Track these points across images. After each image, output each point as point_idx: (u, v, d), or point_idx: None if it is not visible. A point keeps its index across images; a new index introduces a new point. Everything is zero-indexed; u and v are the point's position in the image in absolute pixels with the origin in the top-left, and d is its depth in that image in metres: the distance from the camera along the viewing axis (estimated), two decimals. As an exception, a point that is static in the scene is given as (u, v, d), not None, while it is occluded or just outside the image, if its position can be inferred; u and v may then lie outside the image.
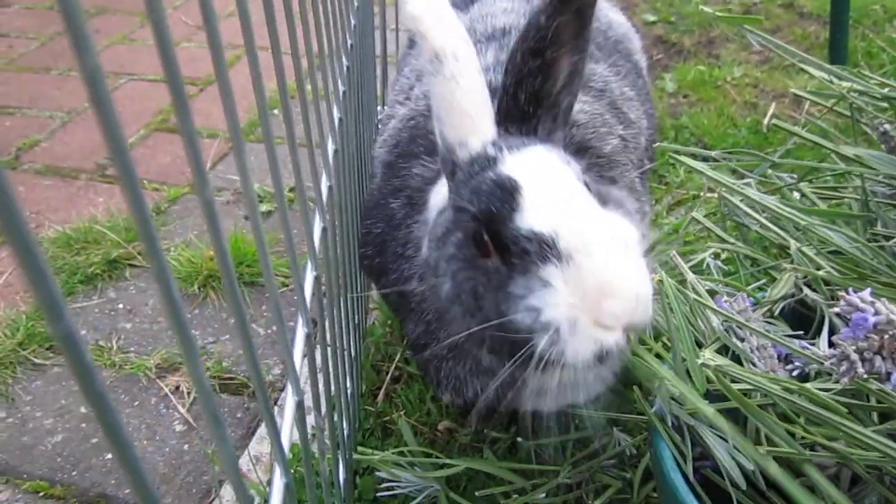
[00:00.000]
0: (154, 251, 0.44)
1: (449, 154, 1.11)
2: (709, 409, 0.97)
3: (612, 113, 1.55)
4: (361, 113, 1.61)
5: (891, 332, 0.88)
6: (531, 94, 1.16)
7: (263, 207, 2.40)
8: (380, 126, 1.75)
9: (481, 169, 1.06)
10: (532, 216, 0.97)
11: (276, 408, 1.71)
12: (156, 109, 3.04)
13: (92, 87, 0.37)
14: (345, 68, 1.28)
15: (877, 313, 0.87)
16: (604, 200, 1.11)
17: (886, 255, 1.31)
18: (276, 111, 2.89)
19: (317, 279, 0.91)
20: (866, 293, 0.89)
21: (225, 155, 2.78)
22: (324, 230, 1.00)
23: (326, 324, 1.07)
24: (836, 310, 0.91)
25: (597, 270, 0.93)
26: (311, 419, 0.98)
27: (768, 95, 2.93)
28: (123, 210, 2.42)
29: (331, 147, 1.12)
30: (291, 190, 2.24)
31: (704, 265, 1.65)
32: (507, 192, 1.00)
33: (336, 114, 1.18)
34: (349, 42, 1.35)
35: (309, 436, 1.05)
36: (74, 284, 2.13)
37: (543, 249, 0.95)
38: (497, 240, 0.99)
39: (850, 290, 0.90)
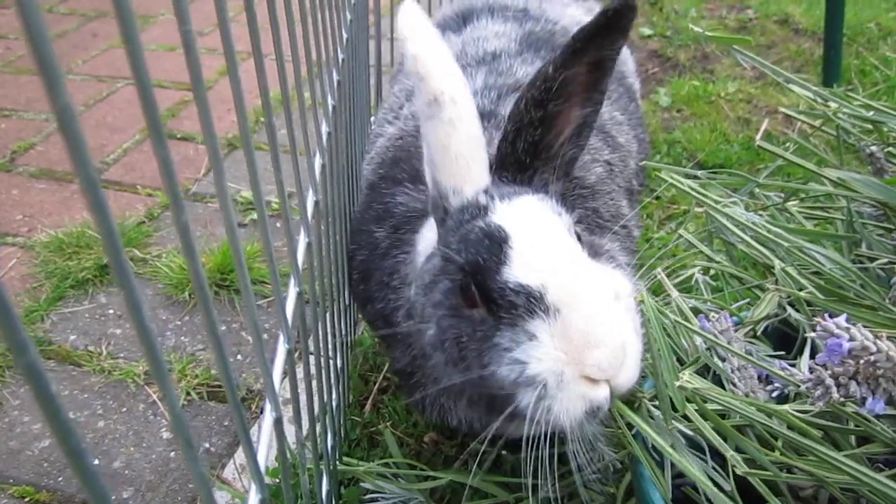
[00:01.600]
0: (126, 279, 0.45)
1: (441, 200, 1.08)
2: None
3: (599, 137, 1.55)
4: (353, 126, 1.62)
5: (866, 358, 0.89)
6: (529, 145, 1.13)
7: (255, 216, 2.41)
8: (368, 144, 1.75)
9: (471, 217, 1.04)
10: (520, 269, 0.96)
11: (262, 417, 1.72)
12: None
13: (64, 124, 0.38)
14: (335, 82, 1.29)
15: (851, 339, 0.88)
16: (595, 252, 1.11)
17: (867, 278, 1.32)
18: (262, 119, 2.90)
19: (299, 295, 0.92)
20: (841, 319, 0.90)
21: (219, 161, 2.78)
22: (308, 245, 1.01)
23: (311, 337, 1.08)
24: (814, 334, 0.92)
25: (582, 322, 0.92)
26: (295, 431, 0.98)
27: (761, 111, 2.95)
28: (116, 215, 2.43)
29: (318, 162, 1.13)
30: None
31: (693, 281, 1.67)
32: (496, 243, 0.98)
33: (325, 128, 1.19)
34: (340, 57, 1.36)
35: (292, 447, 1.06)
36: (65, 289, 2.14)
37: (531, 303, 0.93)
38: (484, 291, 0.98)
39: (827, 315, 0.91)
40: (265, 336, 1.90)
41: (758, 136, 2.69)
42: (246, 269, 0.65)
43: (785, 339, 1.30)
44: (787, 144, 1.94)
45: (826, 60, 2.98)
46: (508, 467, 1.59)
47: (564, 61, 1.09)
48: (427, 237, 1.19)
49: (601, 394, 0.92)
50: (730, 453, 0.96)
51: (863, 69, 3.14)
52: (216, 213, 2.49)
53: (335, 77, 1.31)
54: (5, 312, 0.34)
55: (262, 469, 0.70)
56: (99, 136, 2.90)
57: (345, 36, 1.40)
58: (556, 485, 1.49)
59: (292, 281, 0.93)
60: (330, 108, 1.23)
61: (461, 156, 1.05)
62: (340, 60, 1.36)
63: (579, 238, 1.06)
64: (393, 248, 1.29)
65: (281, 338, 0.86)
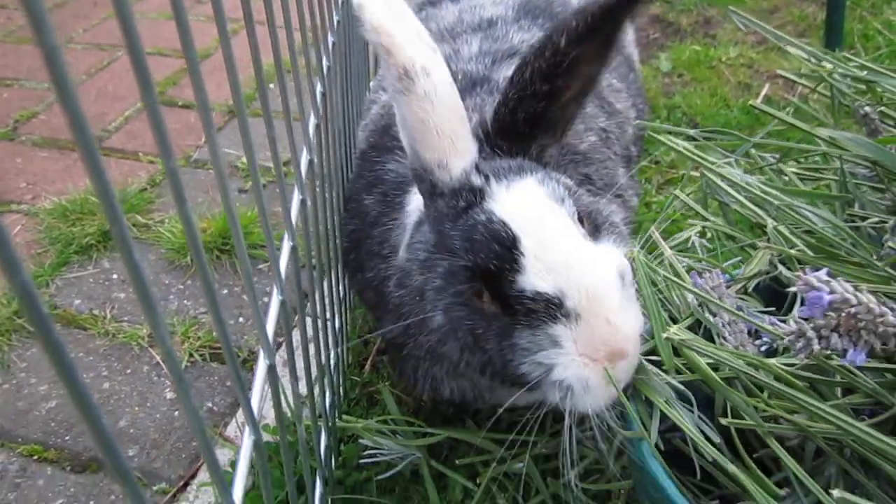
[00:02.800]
0: (126, 244, 0.47)
1: (426, 174, 1.04)
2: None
3: (595, 104, 1.55)
4: (349, 90, 1.63)
5: (847, 311, 0.91)
6: (531, 116, 1.10)
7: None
8: (364, 111, 1.76)
9: (468, 204, 1.02)
10: (535, 276, 0.95)
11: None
12: (153, 81, 3.04)
13: (51, 66, 0.39)
14: (330, 44, 1.30)
15: (832, 292, 0.90)
16: (596, 227, 1.10)
17: (859, 237, 1.33)
18: (271, 85, 2.90)
19: (293, 249, 0.94)
20: (822, 272, 0.92)
21: (220, 128, 2.80)
22: (302, 202, 1.03)
23: (299, 294, 1.10)
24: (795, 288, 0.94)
25: (606, 333, 0.95)
26: (290, 384, 1.01)
27: (762, 76, 2.94)
28: (118, 182, 2.45)
29: (312, 122, 1.14)
30: (286, 164, 2.27)
31: (690, 243, 1.68)
32: (505, 248, 0.96)
33: (319, 88, 1.20)
34: (336, 18, 1.36)
35: (289, 399, 1.09)
36: (70, 254, 2.16)
37: (550, 309, 0.95)
38: (496, 292, 0.98)
39: (808, 269, 0.93)
40: (265, 299, 1.93)
41: (758, 101, 2.68)
42: (237, 218, 0.67)
43: (777, 296, 1.32)
44: (787, 108, 1.95)
45: (829, 25, 2.96)
46: (505, 424, 1.62)
47: (579, 36, 1.04)
48: (416, 199, 1.17)
49: (619, 389, 0.99)
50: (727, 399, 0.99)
51: (866, 34, 3.12)
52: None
53: (330, 38, 1.32)
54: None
55: (256, 412, 0.72)
56: (100, 104, 2.91)
57: (340, -2, 1.41)
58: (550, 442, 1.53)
59: (286, 236, 0.95)
60: (325, 68, 1.24)
61: (442, 131, 1.00)
62: (336, 22, 1.36)
63: (581, 220, 1.05)
64: (382, 216, 1.27)
65: (275, 289, 0.88)
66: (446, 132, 1.00)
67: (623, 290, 1.00)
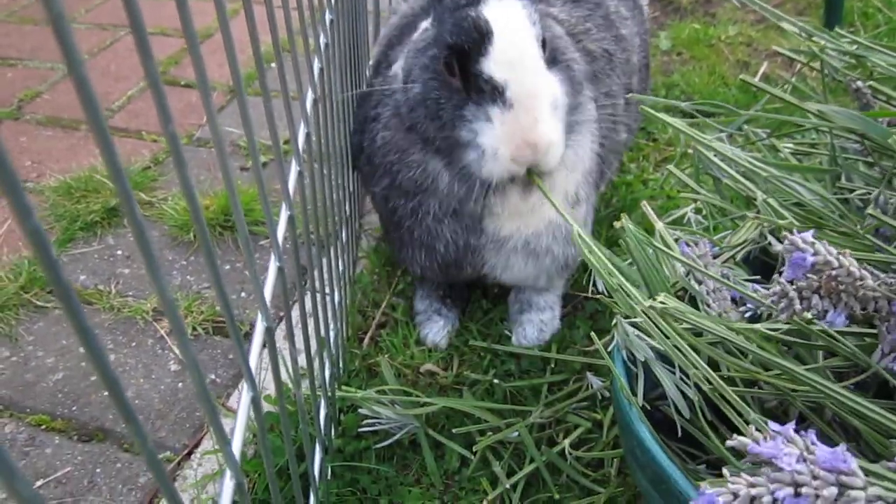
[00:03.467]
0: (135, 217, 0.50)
1: None
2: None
3: (603, 26, 1.67)
4: (350, 65, 1.65)
5: (828, 273, 0.94)
6: None
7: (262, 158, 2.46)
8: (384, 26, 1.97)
9: (467, 4, 1.26)
10: (495, 62, 1.22)
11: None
12: (155, 61, 3.07)
13: (57, 31, 0.42)
14: (328, 21, 1.32)
15: (816, 253, 0.93)
16: (554, 58, 1.34)
17: (847, 208, 1.36)
18: (273, 64, 2.92)
19: (290, 218, 0.97)
20: (808, 234, 0.95)
21: (222, 108, 2.82)
22: (300, 174, 1.06)
23: (297, 265, 1.13)
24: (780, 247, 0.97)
25: (526, 124, 1.22)
26: (289, 349, 1.04)
27: (761, 54, 2.95)
28: (122, 160, 2.47)
29: (310, 97, 1.17)
30: (286, 142, 2.30)
31: (686, 219, 1.71)
32: (480, 36, 1.23)
33: (317, 64, 1.23)
34: (333, -4, 1.39)
35: (290, 372, 1.12)
36: (75, 231, 2.20)
37: (495, 93, 1.22)
38: (463, 70, 1.25)
39: (794, 230, 0.96)
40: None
41: (756, 78, 2.69)
42: (237, 190, 0.70)
43: (766, 269, 1.35)
44: (786, 85, 1.97)
45: (828, 2, 2.96)
46: (500, 395, 1.66)
47: None
48: (423, 25, 1.46)
49: (520, 170, 1.28)
50: (692, 370, 1.02)
51: (865, 11, 3.12)
52: (220, 159, 2.54)
53: (328, 16, 1.35)
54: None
55: (253, 370, 0.76)
56: (104, 84, 2.94)
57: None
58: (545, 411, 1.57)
59: (284, 205, 0.99)
60: (322, 45, 1.26)
61: None
62: (333, 0, 1.38)
63: (544, 44, 1.30)
64: (378, 87, 1.53)
65: (272, 256, 0.92)
66: None
67: (552, 110, 1.27)
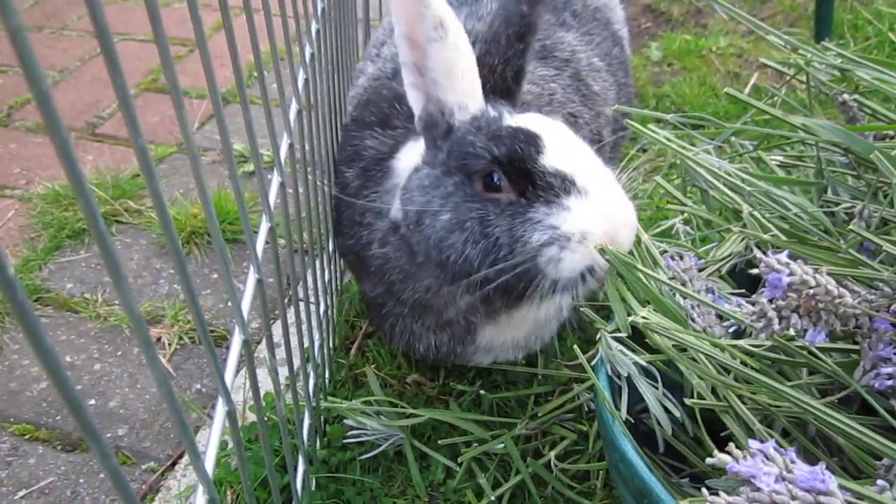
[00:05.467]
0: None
1: (444, 118, 1.21)
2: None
3: (572, 88, 1.62)
4: (338, 76, 1.65)
5: (806, 291, 0.94)
6: (516, 71, 1.29)
7: (248, 168, 2.46)
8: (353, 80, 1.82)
9: (488, 123, 1.18)
10: (555, 157, 1.13)
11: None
12: (146, 70, 3.07)
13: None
14: (313, 31, 1.32)
15: (791, 274, 0.93)
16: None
17: (833, 222, 1.36)
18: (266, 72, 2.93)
19: (271, 229, 0.97)
20: (783, 255, 0.95)
21: (212, 116, 2.82)
22: (281, 185, 1.06)
23: (277, 274, 1.12)
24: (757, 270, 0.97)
25: (611, 203, 1.12)
26: (268, 357, 1.04)
27: (752, 66, 2.96)
28: (111, 168, 2.48)
29: (293, 107, 1.17)
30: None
31: (674, 230, 1.71)
32: (530, 137, 1.14)
33: (301, 75, 1.23)
34: (320, 6, 1.39)
35: (272, 384, 1.12)
36: (62, 239, 2.19)
37: (566, 184, 1.11)
38: (518, 177, 1.13)
39: (770, 252, 0.96)
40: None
41: (746, 90, 2.70)
42: (211, 198, 0.70)
43: (754, 281, 1.35)
44: (775, 98, 1.98)
45: (818, 15, 2.98)
46: (487, 406, 1.66)
47: (531, 2, 1.25)
48: (406, 158, 1.31)
49: (600, 263, 1.11)
50: (695, 380, 1.02)
51: (856, 24, 3.14)
52: (210, 166, 2.53)
53: (314, 26, 1.34)
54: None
55: (229, 385, 0.75)
56: (94, 91, 2.93)
57: (325, -14, 1.43)
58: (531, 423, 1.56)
59: (264, 216, 0.98)
60: (307, 55, 1.26)
61: (465, 75, 1.18)
62: (320, 10, 1.38)
63: None
64: (363, 189, 1.38)
65: (251, 268, 0.91)
66: (468, 77, 1.18)
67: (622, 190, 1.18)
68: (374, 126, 1.41)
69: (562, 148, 1.15)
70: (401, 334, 1.44)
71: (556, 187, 1.11)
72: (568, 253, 1.10)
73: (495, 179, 1.14)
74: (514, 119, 1.19)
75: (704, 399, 1.04)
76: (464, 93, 1.19)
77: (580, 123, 1.61)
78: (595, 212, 1.10)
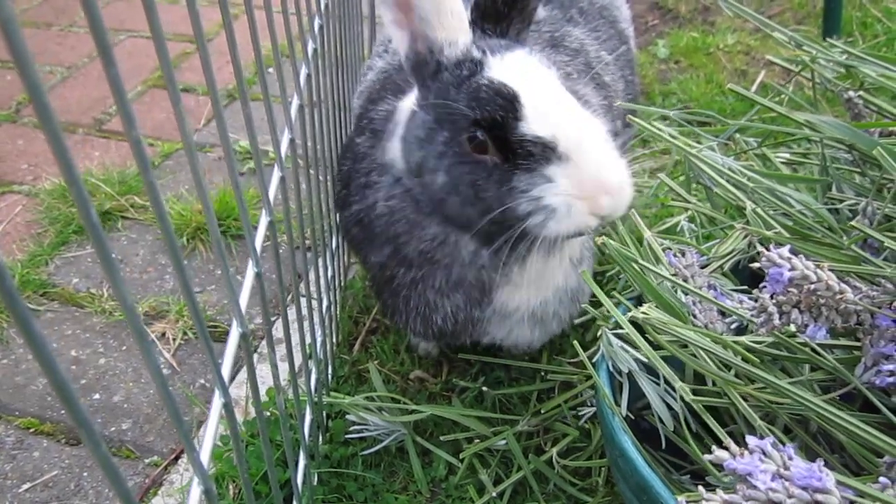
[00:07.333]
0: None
1: (432, 56, 1.18)
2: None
3: (585, 74, 1.61)
4: (341, 74, 1.65)
5: (807, 287, 0.94)
6: None
7: (252, 164, 2.47)
8: (360, 77, 1.81)
9: (470, 73, 1.15)
10: (534, 123, 1.09)
11: (256, 355, 1.79)
12: (153, 66, 3.08)
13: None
14: (316, 27, 1.32)
15: (793, 269, 0.92)
16: (578, 98, 1.22)
17: (837, 218, 1.36)
18: (270, 69, 2.93)
19: (271, 223, 0.97)
20: (785, 249, 0.94)
21: (219, 112, 2.83)
22: (282, 179, 1.06)
23: (277, 267, 1.13)
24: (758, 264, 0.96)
25: (594, 169, 1.09)
26: (268, 353, 1.04)
27: (759, 63, 2.94)
28: (118, 164, 2.49)
29: (295, 103, 1.17)
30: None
31: (679, 227, 1.71)
32: (508, 101, 1.10)
33: (304, 70, 1.23)
34: (323, 1, 1.39)
35: (273, 378, 1.12)
36: (69, 234, 2.20)
37: (546, 151, 1.09)
38: (499, 142, 1.11)
39: (772, 246, 0.95)
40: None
41: (752, 87, 2.69)
42: (208, 193, 0.70)
43: (756, 277, 1.34)
44: (781, 96, 1.97)
45: (827, 12, 2.96)
46: (489, 403, 1.66)
47: None
48: (405, 103, 1.30)
49: (595, 222, 1.11)
50: (678, 384, 1.01)
51: (864, 21, 3.12)
52: (215, 163, 2.54)
53: (317, 21, 1.35)
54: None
55: (226, 379, 0.75)
56: (101, 88, 2.94)
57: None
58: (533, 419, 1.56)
59: (264, 210, 0.98)
60: (310, 51, 1.26)
61: (454, 10, 1.15)
62: (323, 6, 1.39)
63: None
64: (371, 150, 1.39)
65: (250, 262, 0.91)
66: (457, 11, 1.16)
67: (609, 147, 1.14)
68: (387, 97, 1.42)
69: (542, 109, 1.11)
70: (416, 308, 1.41)
71: (536, 155, 1.09)
72: (553, 223, 1.10)
73: (480, 137, 1.12)
74: (497, 67, 1.15)
75: (701, 395, 1.03)
76: (453, 29, 1.16)
77: (598, 110, 1.61)
78: (579, 181, 1.08)
